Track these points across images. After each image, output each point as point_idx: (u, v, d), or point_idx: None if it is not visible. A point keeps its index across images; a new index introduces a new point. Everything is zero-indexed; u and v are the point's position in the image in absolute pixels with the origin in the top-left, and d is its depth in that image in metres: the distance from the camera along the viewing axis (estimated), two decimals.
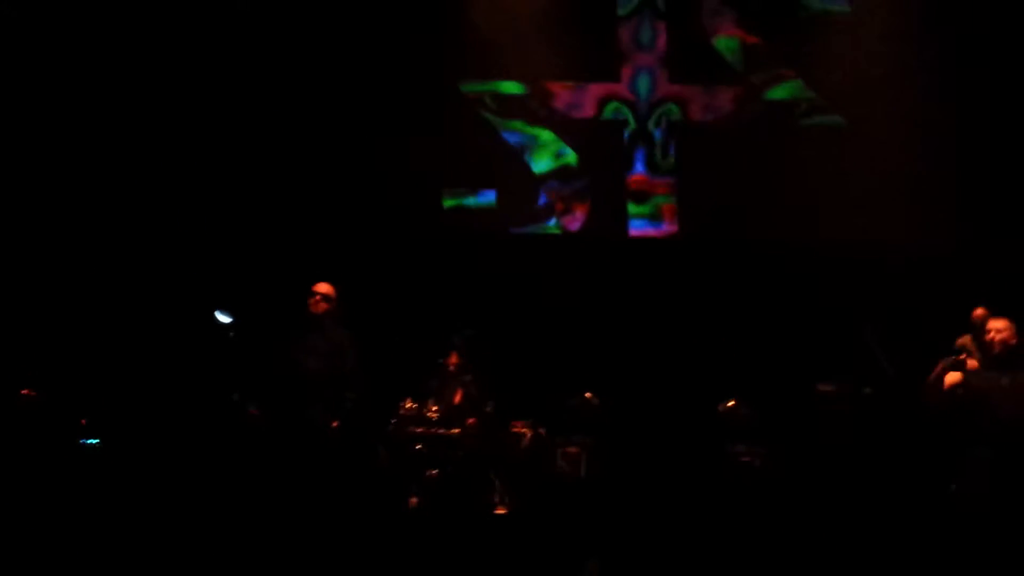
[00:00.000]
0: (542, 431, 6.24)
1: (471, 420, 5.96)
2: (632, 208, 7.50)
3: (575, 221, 7.48)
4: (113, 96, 7.02)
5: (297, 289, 5.71)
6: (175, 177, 7.09)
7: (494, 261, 7.16)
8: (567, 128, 7.51)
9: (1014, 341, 4.63)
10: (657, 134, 7.57)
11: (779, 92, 7.51)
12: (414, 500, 5.80)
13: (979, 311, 5.50)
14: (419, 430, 5.95)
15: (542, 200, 7.48)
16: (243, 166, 7.14)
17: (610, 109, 7.57)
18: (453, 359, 6.15)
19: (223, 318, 6.50)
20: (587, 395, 6.47)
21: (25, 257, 6.78)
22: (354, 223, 7.19)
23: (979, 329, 5.08)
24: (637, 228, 7.51)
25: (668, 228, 7.49)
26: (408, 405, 6.03)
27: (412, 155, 7.16)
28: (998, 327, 4.65)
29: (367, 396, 5.60)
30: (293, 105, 7.19)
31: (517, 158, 7.47)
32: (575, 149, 7.51)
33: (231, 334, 6.50)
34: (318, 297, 5.55)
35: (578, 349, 6.88)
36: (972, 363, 4.80)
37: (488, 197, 7.45)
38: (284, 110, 7.18)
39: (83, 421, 6.08)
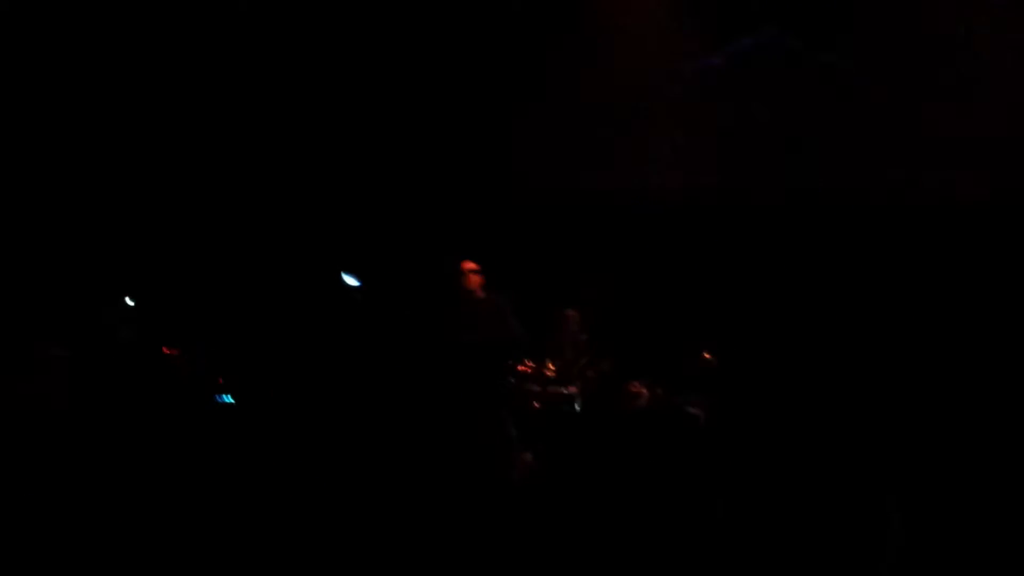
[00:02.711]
0: (659, 391, 6.18)
1: (589, 374, 6.00)
2: None
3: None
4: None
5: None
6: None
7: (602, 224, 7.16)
8: None
9: None
10: None
11: None
12: (528, 457, 5.86)
13: None
14: (536, 388, 6.01)
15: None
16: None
17: None
18: (571, 315, 6.18)
19: (351, 281, 6.74)
20: (705, 355, 6.38)
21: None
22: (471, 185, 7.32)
23: None
24: None
25: None
26: (525, 364, 6.10)
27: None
28: None
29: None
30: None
31: None
32: None
33: (359, 298, 6.74)
34: (472, 272, 5.82)
35: (695, 309, 6.80)
36: None
37: None
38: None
39: (220, 380, 6.42)
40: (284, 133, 7.40)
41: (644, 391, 6.12)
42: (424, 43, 7.26)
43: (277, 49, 7.21)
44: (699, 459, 5.84)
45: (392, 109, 7.37)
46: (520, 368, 6.07)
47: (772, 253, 6.97)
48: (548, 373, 6.05)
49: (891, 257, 6.75)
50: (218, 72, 7.23)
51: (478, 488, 5.31)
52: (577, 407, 5.96)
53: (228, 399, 6.32)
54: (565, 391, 6.01)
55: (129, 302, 6.73)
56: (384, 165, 7.45)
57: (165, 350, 6.25)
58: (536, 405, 5.98)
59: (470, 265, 5.86)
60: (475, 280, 5.81)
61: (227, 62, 7.20)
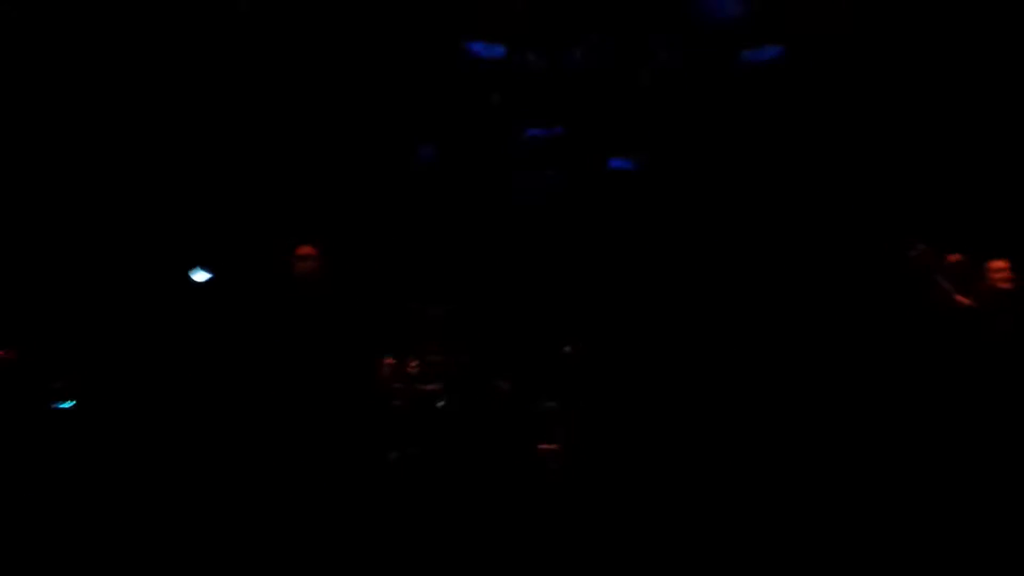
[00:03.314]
0: (519, 386, 6.20)
1: (452, 371, 5.95)
2: None
3: None
4: None
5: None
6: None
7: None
8: None
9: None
10: None
11: None
12: (394, 456, 5.78)
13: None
14: (398, 386, 5.91)
15: None
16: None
17: None
18: (435, 311, 6.11)
19: (200, 276, 6.47)
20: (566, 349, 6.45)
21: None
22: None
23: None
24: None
25: None
26: (388, 362, 5.99)
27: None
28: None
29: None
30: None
31: None
32: None
33: (208, 293, 6.46)
34: (302, 258, 5.47)
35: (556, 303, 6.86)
36: None
37: None
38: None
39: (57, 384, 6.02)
40: (118, 118, 7.06)
41: (505, 387, 6.15)
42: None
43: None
44: (559, 454, 5.92)
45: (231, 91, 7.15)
46: (383, 367, 5.97)
47: (630, 247, 7.10)
48: (410, 370, 5.96)
49: (744, 253, 6.96)
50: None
51: (338, 488, 5.20)
52: (440, 405, 5.90)
53: (68, 405, 5.95)
54: (427, 389, 5.93)
55: None
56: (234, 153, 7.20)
57: None
58: (397, 403, 5.89)
59: (306, 250, 5.47)
60: (310, 266, 5.42)
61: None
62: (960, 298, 5.12)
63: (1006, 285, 5.07)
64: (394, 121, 7.17)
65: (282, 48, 7.03)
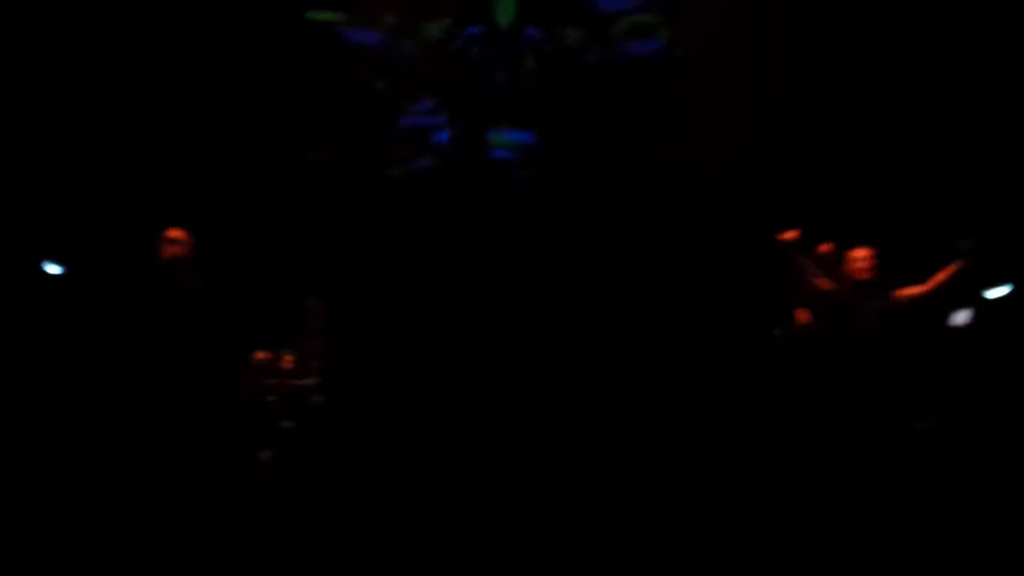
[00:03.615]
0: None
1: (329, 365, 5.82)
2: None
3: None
4: None
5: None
6: None
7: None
8: None
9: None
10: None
11: None
12: (266, 455, 5.58)
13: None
14: (272, 382, 5.72)
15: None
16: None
17: None
18: (312, 305, 5.95)
19: (52, 269, 6.19)
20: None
21: None
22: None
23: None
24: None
25: None
26: (260, 356, 5.79)
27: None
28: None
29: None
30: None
31: None
32: None
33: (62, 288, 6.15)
34: (170, 241, 5.12)
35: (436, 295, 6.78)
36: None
37: None
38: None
39: None
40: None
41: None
42: None
43: None
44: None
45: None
46: (254, 361, 5.76)
47: (513, 238, 7.07)
48: (285, 365, 5.78)
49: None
50: None
51: (205, 488, 4.97)
52: (318, 400, 5.75)
53: None
54: (303, 383, 5.77)
55: None
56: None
57: None
58: (271, 399, 5.70)
59: (175, 234, 5.11)
60: (175, 250, 5.09)
61: None
62: (821, 283, 5.12)
63: (866, 275, 5.07)
64: (277, 111, 6.98)
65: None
